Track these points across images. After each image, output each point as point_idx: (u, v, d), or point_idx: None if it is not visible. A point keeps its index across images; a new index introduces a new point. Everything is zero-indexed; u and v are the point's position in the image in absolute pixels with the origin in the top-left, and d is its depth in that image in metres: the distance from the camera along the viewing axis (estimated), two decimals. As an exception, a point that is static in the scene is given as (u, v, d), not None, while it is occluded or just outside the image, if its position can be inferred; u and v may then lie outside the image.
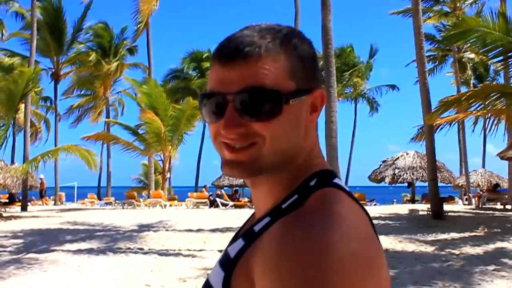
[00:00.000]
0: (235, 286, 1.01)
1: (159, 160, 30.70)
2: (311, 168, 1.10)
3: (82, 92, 49.27)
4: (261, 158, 1.03)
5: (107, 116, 47.07)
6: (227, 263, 1.05)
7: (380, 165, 34.44)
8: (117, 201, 36.29)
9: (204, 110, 1.08)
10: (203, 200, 29.02)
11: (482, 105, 18.22)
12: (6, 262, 11.50)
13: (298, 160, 1.09)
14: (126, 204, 30.21)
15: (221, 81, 1.04)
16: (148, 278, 9.95)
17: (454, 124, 20.34)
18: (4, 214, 21.57)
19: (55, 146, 37.46)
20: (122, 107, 54.23)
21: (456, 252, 12.24)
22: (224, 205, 27.34)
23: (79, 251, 12.86)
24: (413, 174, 32.09)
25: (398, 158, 33.59)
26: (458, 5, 34.19)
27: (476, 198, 29.38)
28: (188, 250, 13.01)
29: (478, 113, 18.77)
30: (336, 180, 1.07)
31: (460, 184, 35.62)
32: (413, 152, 33.50)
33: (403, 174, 32.25)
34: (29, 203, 28.76)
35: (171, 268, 10.80)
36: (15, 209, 27.12)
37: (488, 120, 18.18)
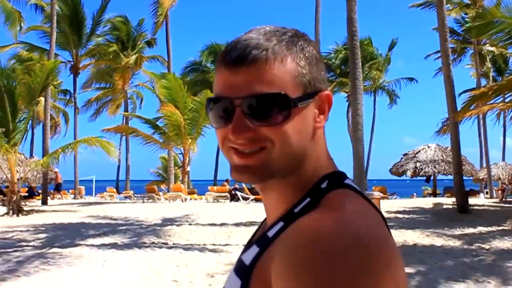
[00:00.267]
0: None
1: (179, 154, 30.57)
2: (321, 170, 1.10)
3: (101, 85, 49.28)
4: (271, 163, 1.03)
5: (125, 110, 47.07)
6: (243, 271, 1.05)
7: (401, 158, 34.19)
8: (136, 195, 36.33)
9: (211, 114, 1.08)
10: (224, 194, 28.90)
11: (502, 98, 18.04)
12: (30, 257, 11.44)
13: (307, 164, 1.09)
14: (146, 198, 30.18)
15: (228, 86, 1.03)
16: (175, 274, 9.83)
17: (475, 117, 20.12)
18: (25, 208, 21.57)
19: (75, 139, 37.63)
20: (141, 100, 54.34)
21: (486, 246, 12.05)
22: (244, 198, 27.19)
23: (103, 246, 12.77)
24: (434, 167, 31.80)
25: (419, 151, 33.32)
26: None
27: (500, 191, 29.05)
28: (213, 244, 12.90)
29: (504, 106, 18.55)
30: (347, 181, 1.08)
31: (480, 177, 35.26)
32: (435, 145, 33.22)
33: (425, 168, 31.96)
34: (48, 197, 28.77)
35: (198, 263, 10.69)
36: (35, 203, 27.18)
37: (508, 113, 17.99)
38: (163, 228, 15.56)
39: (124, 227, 15.96)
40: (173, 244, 13.09)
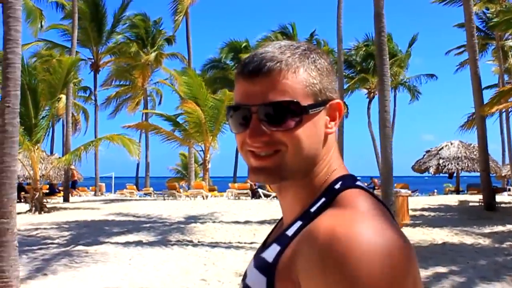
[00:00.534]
0: None
1: (200, 151, 30.49)
2: (333, 173, 1.16)
3: (121, 83, 49.35)
4: (285, 164, 1.11)
5: (145, 107, 47.09)
6: (266, 268, 1.09)
7: (424, 155, 33.77)
8: (156, 192, 36.31)
9: (231, 121, 1.17)
10: (245, 191, 28.76)
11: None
12: (56, 255, 11.40)
13: (320, 167, 1.16)
14: (166, 195, 30.14)
15: (246, 95, 1.12)
16: (203, 272, 9.73)
17: (498, 114, 19.87)
18: (47, 205, 21.59)
19: (95, 136, 37.70)
20: (160, 97, 54.36)
21: (517, 245, 11.83)
22: (266, 196, 27.06)
23: (128, 244, 12.70)
24: (458, 164, 31.36)
25: (442, 148, 32.82)
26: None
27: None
28: (239, 243, 12.78)
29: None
30: (358, 183, 1.14)
31: (503, 174, 34.79)
32: (458, 142, 32.74)
33: (448, 164, 31.52)
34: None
35: (225, 262, 10.58)
36: (56, 200, 27.26)
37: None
38: (187, 226, 15.46)
39: (148, 225, 15.89)
40: (198, 241, 13.00)
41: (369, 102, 46.52)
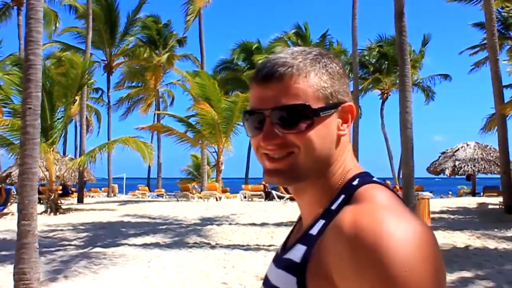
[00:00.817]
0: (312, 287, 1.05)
1: (213, 152, 30.36)
2: (349, 172, 1.18)
3: (133, 84, 49.31)
4: (298, 166, 1.13)
5: (157, 108, 47.03)
6: (294, 267, 1.09)
7: (439, 156, 33.44)
8: (168, 193, 36.25)
9: (247, 125, 1.20)
10: (258, 193, 28.62)
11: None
12: (74, 257, 11.32)
13: (335, 167, 1.18)
14: (180, 196, 30.07)
15: (260, 99, 1.16)
16: (223, 275, 9.59)
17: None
18: (62, 207, 21.57)
19: (108, 138, 37.71)
20: (172, 98, 54.27)
21: (542, 249, 11.61)
22: (280, 197, 26.91)
23: (146, 245, 12.61)
24: (474, 166, 31.00)
25: (458, 149, 32.46)
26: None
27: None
28: (257, 245, 12.65)
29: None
30: (375, 179, 1.17)
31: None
32: (474, 143, 32.38)
33: (464, 166, 31.15)
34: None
35: (245, 265, 10.44)
36: (70, 201, 27.27)
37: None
38: (203, 227, 15.36)
39: (164, 226, 15.80)
40: (216, 243, 12.89)
41: (383, 103, 46.24)
